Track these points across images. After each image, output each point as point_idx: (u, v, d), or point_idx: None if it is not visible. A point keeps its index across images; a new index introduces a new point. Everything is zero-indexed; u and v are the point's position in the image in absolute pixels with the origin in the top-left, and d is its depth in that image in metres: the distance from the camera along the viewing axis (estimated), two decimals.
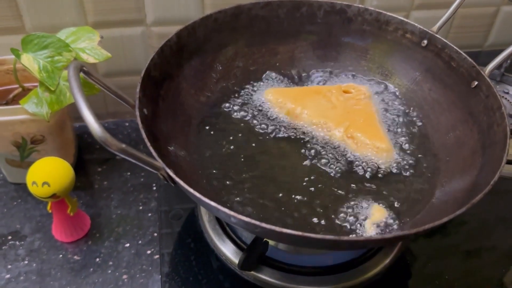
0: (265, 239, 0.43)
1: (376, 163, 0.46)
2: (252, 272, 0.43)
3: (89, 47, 0.56)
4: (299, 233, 0.29)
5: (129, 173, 0.65)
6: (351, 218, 0.40)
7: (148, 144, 0.34)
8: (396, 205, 0.42)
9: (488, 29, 0.79)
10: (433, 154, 0.48)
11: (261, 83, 0.56)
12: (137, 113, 0.37)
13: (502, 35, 0.79)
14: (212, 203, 0.30)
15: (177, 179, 0.32)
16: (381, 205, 0.42)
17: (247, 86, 0.54)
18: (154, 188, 0.63)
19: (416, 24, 0.52)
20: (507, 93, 0.65)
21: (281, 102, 0.53)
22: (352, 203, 0.42)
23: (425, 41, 0.51)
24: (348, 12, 0.54)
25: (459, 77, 0.47)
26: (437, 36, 0.50)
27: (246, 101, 0.53)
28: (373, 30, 0.54)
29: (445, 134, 0.46)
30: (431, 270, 0.48)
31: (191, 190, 0.31)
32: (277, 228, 0.29)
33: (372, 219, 0.41)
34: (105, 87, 0.36)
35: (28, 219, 0.59)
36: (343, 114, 0.52)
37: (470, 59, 0.46)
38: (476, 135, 0.42)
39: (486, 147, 0.39)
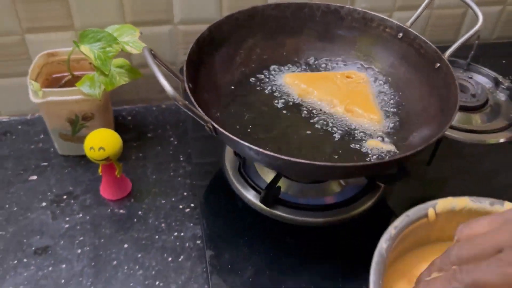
0: (278, 185, 0.56)
1: (369, 129, 0.58)
2: (268, 208, 0.56)
3: (131, 40, 0.66)
4: (310, 162, 0.41)
5: (159, 147, 0.75)
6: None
7: (196, 105, 0.46)
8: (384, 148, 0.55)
9: (458, 27, 0.89)
10: (407, 117, 0.59)
11: (276, 68, 0.66)
12: (186, 85, 0.49)
13: (469, 30, 0.91)
14: (245, 143, 0.43)
15: (219, 129, 0.44)
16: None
17: (264, 70, 0.65)
18: (182, 158, 0.73)
19: (393, 21, 0.62)
20: (471, 78, 0.78)
21: (297, 83, 0.63)
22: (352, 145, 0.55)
23: (401, 34, 0.62)
24: (340, 12, 0.64)
25: (426, 61, 0.59)
26: (410, 29, 0.61)
27: (265, 82, 0.64)
28: (360, 26, 0.64)
29: (415, 103, 0.59)
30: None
31: (230, 135, 0.44)
32: (294, 159, 0.42)
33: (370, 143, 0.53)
34: (164, 65, 0.48)
35: (78, 183, 0.69)
36: (346, 94, 0.61)
37: (434, 47, 0.58)
38: (437, 103, 0.55)
39: (444, 110, 0.52)
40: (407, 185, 0.62)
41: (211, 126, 0.45)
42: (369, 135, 0.57)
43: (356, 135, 0.57)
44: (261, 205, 0.55)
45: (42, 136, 0.77)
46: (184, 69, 0.50)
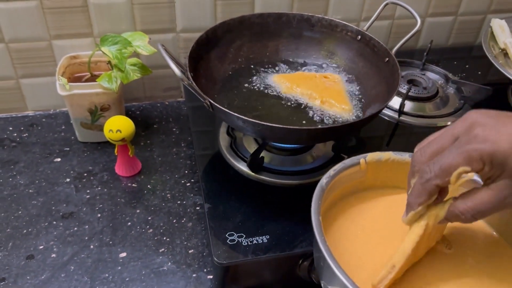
0: (261, 156, 0.69)
1: (341, 116, 0.70)
2: (254, 174, 0.69)
3: (142, 44, 0.80)
4: (284, 126, 0.55)
5: (164, 136, 0.87)
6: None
7: (196, 87, 0.59)
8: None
9: (418, 35, 1.02)
10: (365, 99, 0.72)
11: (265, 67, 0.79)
12: (188, 74, 0.63)
13: (428, 38, 1.02)
14: (235, 114, 0.56)
15: (215, 104, 0.58)
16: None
17: (252, 67, 0.77)
18: (183, 145, 0.85)
19: (353, 26, 0.75)
20: (424, 74, 0.93)
21: (283, 81, 0.75)
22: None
23: (359, 36, 0.75)
24: (312, 20, 0.77)
25: (379, 57, 0.72)
26: (367, 33, 0.74)
27: (253, 77, 0.76)
28: (327, 30, 0.76)
29: (370, 90, 0.73)
30: None
31: (223, 108, 0.57)
32: (271, 124, 0.55)
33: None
34: (172, 57, 0.61)
35: (96, 163, 0.81)
36: (323, 90, 0.71)
37: (384, 45, 0.72)
38: (385, 88, 0.69)
39: (390, 93, 0.66)
40: None
41: (208, 103, 0.58)
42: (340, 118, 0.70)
43: (329, 118, 0.70)
44: (249, 171, 0.68)
45: (63, 127, 0.90)
46: (187, 62, 0.64)
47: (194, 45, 0.67)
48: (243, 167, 0.69)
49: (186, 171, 0.81)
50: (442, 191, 0.41)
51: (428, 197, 0.40)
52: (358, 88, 0.76)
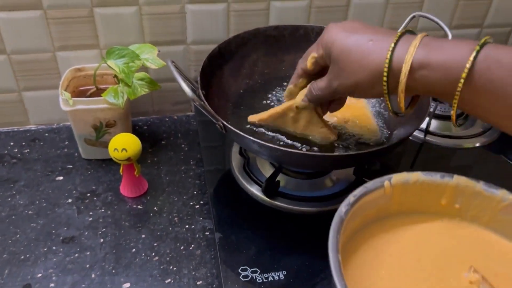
0: (277, 179, 0.64)
1: (363, 137, 0.64)
2: (269, 199, 0.64)
3: (151, 57, 0.75)
4: (302, 152, 0.50)
5: (172, 153, 0.83)
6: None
7: (209, 107, 0.55)
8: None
9: None
10: (390, 118, 0.67)
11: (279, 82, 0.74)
12: (200, 92, 0.58)
13: None
14: (250, 137, 0.52)
15: (229, 126, 0.53)
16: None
17: (267, 82, 0.73)
18: (192, 163, 0.81)
19: None
20: None
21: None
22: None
23: None
24: None
25: None
26: None
27: (268, 91, 0.72)
28: None
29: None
30: None
31: (237, 131, 0.53)
32: (289, 150, 0.51)
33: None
34: (182, 75, 0.57)
35: (100, 183, 0.76)
36: (345, 107, 0.63)
37: None
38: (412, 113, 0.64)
39: (420, 114, 0.61)
40: None
41: (221, 124, 0.53)
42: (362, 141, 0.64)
43: (353, 140, 0.65)
44: (263, 196, 0.63)
45: (67, 142, 0.85)
46: (199, 79, 0.60)
47: (206, 61, 0.62)
48: (256, 191, 0.64)
49: (195, 192, 0.76)
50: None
51: (297, 78, 0.57)
52: (382, 105, 0.70)
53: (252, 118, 0.63)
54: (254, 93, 0.71)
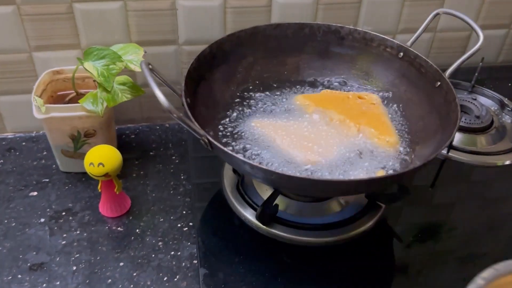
0: (275, 203, 0.55)
1: (381, 152, 0.56)
2: (265, 227, 0.54)
3: (135, 59, 0.67)
4: (304, 176, 0.41)
5: (161, 165, 0.75)
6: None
7: (192, 119, 0.46)
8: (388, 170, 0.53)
9: (463, 50, 0.88)
10: (410, 132, 0.59)
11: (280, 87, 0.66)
12: (183, 100, 0.49)
13: (475, 55, 0.90)
14: (240, 157, 0.43)
15: (215, 142, 0.44)
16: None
17: (267, 89, 0.65)
18: (182, 177, 0.72)
19: (394, 40, 0.63)
20: (475, 99, 0.77)
21: (308, 105, 0.62)
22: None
23: (401, 53, 0.62)
24: (341, 32, 0.65)
25: (427, 80, 0.59)
26: (411, 49, 0.62)
27: (267, 99, 0.64)
28: (361, 45, 0.65)
29: (415, 122, 0.58)
30: (411, 232, 0.59)
31: (225, 149, 0.43)
32: (286, 173, 0.41)
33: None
34: (161, 79, 0.48)
35: (78, 199, 0.68)
36: (359, 114, 0.60)
37: (435, 66, 0.58)
38: (437, 121, 0.54)
39: (444, 129, 0.51)
40: (409, 207, 0.61)
41: (206, 140, 0.44)
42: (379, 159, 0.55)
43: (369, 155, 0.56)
44: (258, 223, 0.54)
45: (45, 153, 0.77)
46: (183, 84, 0.51)
47: (194, 62, 0.54)
48: (251, 216, 0.55)
49: (184, 211, 0.67)
50: None
51: None
52: (401, 117, 0.60)
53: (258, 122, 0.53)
54: (251, 102, 0.62)
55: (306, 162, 0.50)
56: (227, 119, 0.60)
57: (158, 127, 0.84)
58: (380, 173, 0.51)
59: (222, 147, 0.43)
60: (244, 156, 0.52)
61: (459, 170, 0.68)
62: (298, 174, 0.41)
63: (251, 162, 0.42)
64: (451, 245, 0.57)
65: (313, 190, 0.45)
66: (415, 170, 0.42)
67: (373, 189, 0.52)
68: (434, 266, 0.53)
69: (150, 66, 0.44)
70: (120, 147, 0.77)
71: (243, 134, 0.58)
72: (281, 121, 0.59)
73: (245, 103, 0.64)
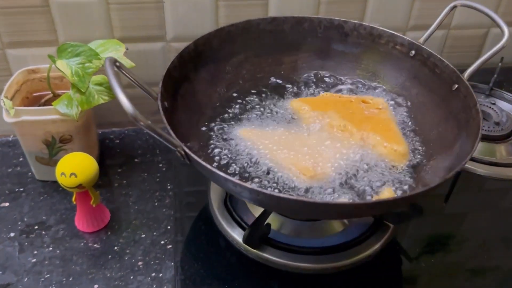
0: (267, 222, 0.48)
1: (388, 163, 0.49)
2: (255, 250, 0.48)
3: (116, 56, 0.61)
4: (294, 197, 0.34)
5: (146, 174, 0.69)
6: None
7: (167, 126, 0.39)
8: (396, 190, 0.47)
9: (479, 49, 0.83)
10: (422, 140, 0.52)
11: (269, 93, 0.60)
12: (159, 104, 0.43)
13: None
14: (221, 173, 0.36)
15: (192, 155, 0.37)
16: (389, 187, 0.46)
17: (258, 91, 0.59)
18: (169, 187, 0.67)
19: (405, 37, 0.57)
20: (494, 104, 0.70)
21: (305, 110, 0.56)
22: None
23: (413, 52, 0.56)
24: (345, 27, 0.60)
25: (442, 82, 0.52)
26: (424, 46, 0.55)
27: (258, 103, 0.58)
28: (367, 42, 0.59)
29: (429, 130, 0.51)
30: (421, 257, 0.52)
31: (204, 163, 0.37)
32: (276, 194, 0.34)
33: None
34: (133, 79, 0.42)
35: (53, 211, 0.63)
36: (363, 120, 0.54)
37: (451, 66, 0.51)
38: (455, 130, 0.47)
39: (463, 139, 0.44)
40: (421, 224, 0.55)
41: (182, 152, 0.37)
42: (388, 172, 0.48)
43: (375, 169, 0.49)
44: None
45: (21, 159, 0.72)
46: (160, 85, 0.44)
47: (175, 60, 0.48)
48: (239, 237, 0.49)
49: (169, 226, 0.62)
50: None
51: None
52: (412, 124, 0.53)
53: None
54: (240, 107, 0.55)
55: (300, 180, 0.43)
56: (213, 126, 0.53)
57: (145, 131, 0.78)
58: (387, 192, 0.44)
59: (200, 160, 0.36)
60: (228, 171, 0.45)
61: (477, 183, 0.62)
62: (288, 195, 0.33)
63: (234, 179, 0.35)
64: (461, 257, 0.53)
65: (308, 213, 0.38)
66: (429, 191, 0.35)
67: (378, 212, 0.45)
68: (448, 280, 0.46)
69: (117, 64, 0.38)
70: (102, 153, 0.73)
71: (230, 144, 0.51)
72: (273, 129, 0.52)
73: (233, 107, 0.57)
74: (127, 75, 0.41)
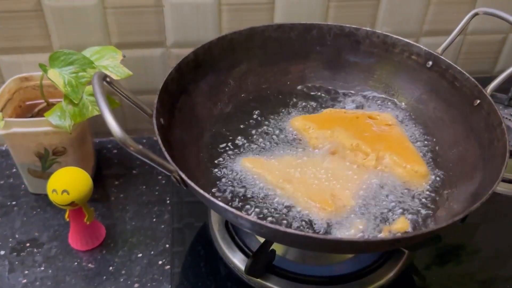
0: (271, 248, 0.44)
1: (406, 186, 0.46)
2: (258, 279, 0.44)
3: (112, 64, 0.59)
4: (301, 233, 0.30)
5: (144, 187, 0.67)
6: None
7: (163, 148, 0.36)
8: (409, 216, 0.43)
9: (496, 56, 0.80)
10: (439, 168, 0.48)
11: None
12: (154, 121, 0.39)
13: (509, 61, 0.80)
14: (220, 204, 0.32)
15: (188, 181, 0.34)
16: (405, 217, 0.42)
17: (260, 102, 0.56)
18: (168, 201, 0.65)
19: (421, 46, 0.54)
20: None
21: (310, 129, 0.52)
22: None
23: (430, 62, 0.53)
24: (356, 34, 0.57)
25: (462, 96, 0.48)
26: (442, 57, 0.52)
27: (262, 122, 0.55)
28: (380, 52, 0.56)
29: (448, 150, 0.48)
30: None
31: (201, 191, 0.33)
32: (282, 228, 0.31)
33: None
34: (125, 95, 0.38)
35: (46, 227, 0.61)
36: (376, 139, 0.50)
37: (472, 79, 0.48)
38: (477, 151, 0.43)
39: (486, 161, 0.41)
40: (438, 248, 0.50)
41: (178, 177, 0.34)
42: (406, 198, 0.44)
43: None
44: None
45: (14, 170, 0.70)
46: (156, 100, 0.40)
47: (174, 72, 0.44)
48: (241, 264, 0.45)
49: (167, 245, 0.59)
50: None
51: None
52: (429, 142, 0.50)
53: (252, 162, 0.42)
54: (244, 119, 0.51)
55: (320, 215, 0.39)
56: (214, 145, 0.50)
57: (144, 141, 0.77)
58: (401, 222, 0.40)
59: (198, 188, 0.32)
60: (231, 200, 0.41)
61: (499, 203, 0.58)
62: (294, 231, 0.30)
63: (234, 211, 0.31)
64: (474, 268, 0.51)
65: (317, 248, 0.35)
66: (452, 225, 0.31)
67: (395, 248, 0.42)
68: None
69: (108, 79, 0.34)
70: (99, 164, 0.70)
71: (234, 166, 0.47)
72: (278, 154, 0.48)
73: (235, 126, 0.53)
74: (119, 91, 0.38)
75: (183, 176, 0.34)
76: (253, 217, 0.31)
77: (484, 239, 0.55)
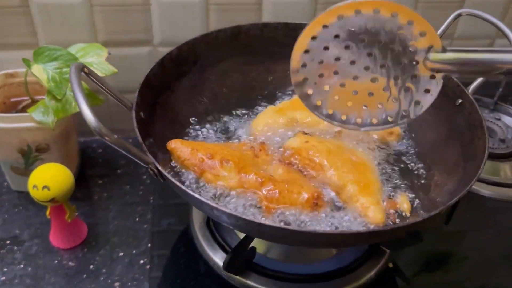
0: (252, 246, 0.44)
1: None
2: (237, 277, 0.44)
3: (96, 61, 0.59)
4: (276, 225, 0.30)
5: (128, 187, 0.66)
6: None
7: (140, 140, 0.36)
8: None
9: None
10: (422, 163, 0.48)
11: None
12: (133, 114, 0.39)
13: None
14: (196, 195, 0.32)
15: (165, 173, 0.33)
16: None
17: (242, 101, 0.56)
18: (152, 201, 0.64)
19: None
20: (499, 119, 0.67)
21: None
22: None
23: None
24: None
25: (445, 96, 0.48)
26: None
27: (241, 114, 0.55)
28: None
29: (431, 150, 0.48)
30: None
31: (177, 183, 0.33)
32: (256, 220, 0.30)
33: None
34: (104, 87, 0.38)
35: (27, 225, 0.61)
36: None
37: (455, 79, 0.48)
38: (459, 150, 0.43)
39: (467, 160, 0.41)
40: (420, 249, 0.50)
41: (155, 169, 0.33)
42: None
43: None
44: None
45: None
46: (137, 94, 0.40)
47: (156, 67, 0.44)
48: (221, 261, 0.44)
49: (150, 244, 0.58)
50: None
51: None
52: (412, 142, 0.49)
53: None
54: (227, 117, 0.52)
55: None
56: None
57: (130, 140, 0.75)
58: (403, 198, 0.39)
59: (174, 180, 0.32)
60: (213, 197, 0.40)
61: (479, 205, 0.58)
62: (270, 222, 0.30)
63: (209, 202, 0.31)
64: (462, 276, 0.50)
65: (292, 241, 0.34)
66: (428, 220, 0.31)
67: (373, 242, 0.41)
68: None
69: (86, 70, 0.34)
70: (83, 163, 0.70)
71: None
72: None
73: (215, 120, 0.53)
74: (97, 82, 0.37)
75: (160, 168, 0.34)
76: (227, 209, 0.31)
77: (471, 246, 0.54)
